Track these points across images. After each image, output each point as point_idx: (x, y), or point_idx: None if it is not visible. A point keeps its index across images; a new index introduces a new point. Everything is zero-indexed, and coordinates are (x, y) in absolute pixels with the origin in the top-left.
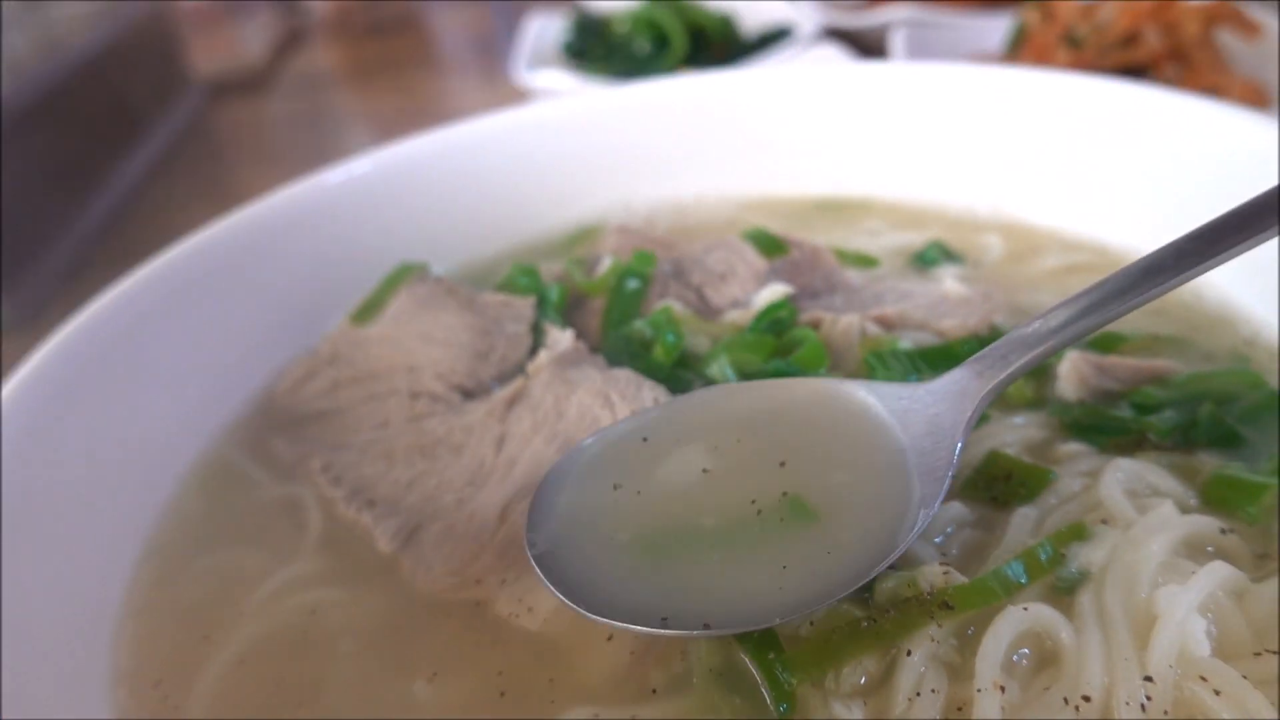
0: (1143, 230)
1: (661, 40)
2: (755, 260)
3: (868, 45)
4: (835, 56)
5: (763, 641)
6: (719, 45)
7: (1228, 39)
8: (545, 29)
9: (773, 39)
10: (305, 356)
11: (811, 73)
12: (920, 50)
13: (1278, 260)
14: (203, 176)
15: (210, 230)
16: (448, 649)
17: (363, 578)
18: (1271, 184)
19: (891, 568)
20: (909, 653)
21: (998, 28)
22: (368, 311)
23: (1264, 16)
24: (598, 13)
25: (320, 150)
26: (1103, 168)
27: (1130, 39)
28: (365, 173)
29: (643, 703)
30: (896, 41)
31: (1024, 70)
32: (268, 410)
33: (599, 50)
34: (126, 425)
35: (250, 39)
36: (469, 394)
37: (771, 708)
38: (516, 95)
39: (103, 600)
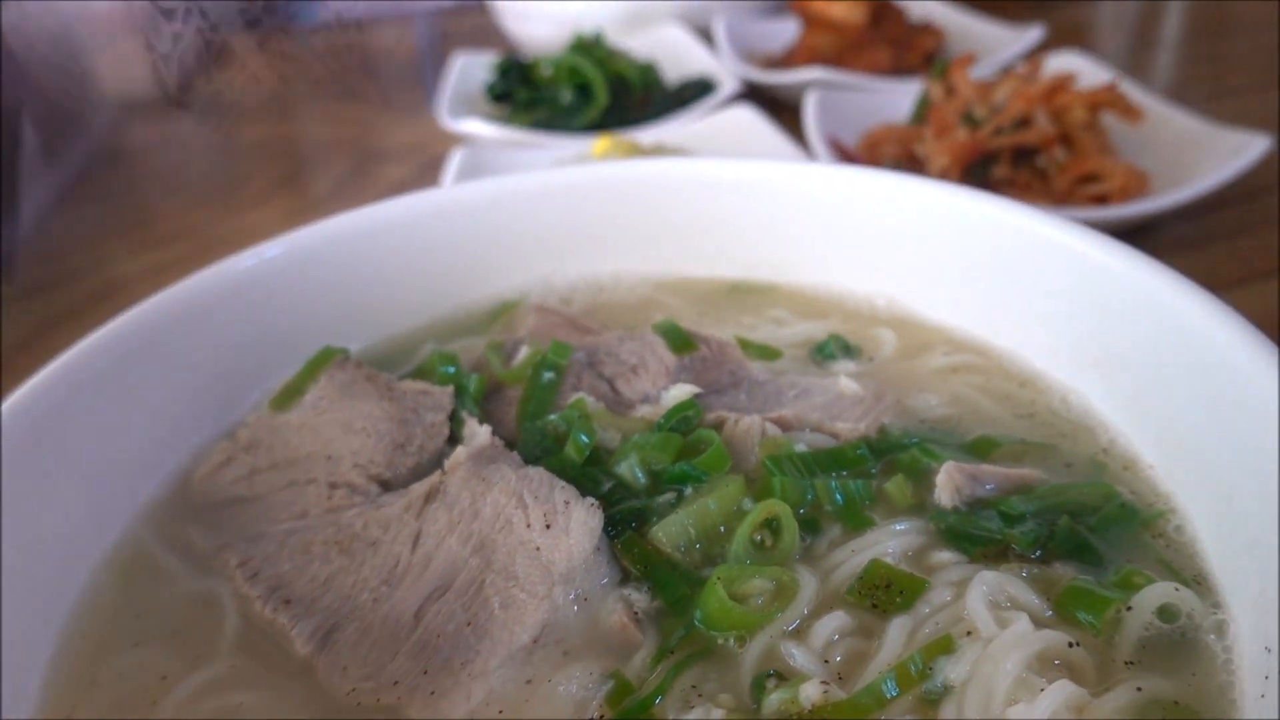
0: (1023, 334)
1: (585, 89)
2: (666, 356)
3: (783, 102)
4: (750, 117)
5: None
6: (640, 97)
7: (1114, 121)
8: (470, 68)
9: (694, 94)
10: (224, 442)
11: (725, 166)
12: (831, 112)
13: (1133, 373)
14: (116, 205)
15: (120, 322)
16: None
17: (280, 680)
18: (1134, 313)
19: (780, 678)
20: None
21: (908, 92)
22: (288, 397)
23: (1147, 100)
24: (524, 56)
25: (239, 180)
26: (989, 273)
27: (1023, 121)
28: (276, 256)
29: None
30: (809, 102)
31: (921, 181)
32: (184, 495)
33: (523, 95)
34: (40, 518)
35: (166, 57)
36: (387, 485)
37: None
38: (441, 135)
39: (17, 705)
